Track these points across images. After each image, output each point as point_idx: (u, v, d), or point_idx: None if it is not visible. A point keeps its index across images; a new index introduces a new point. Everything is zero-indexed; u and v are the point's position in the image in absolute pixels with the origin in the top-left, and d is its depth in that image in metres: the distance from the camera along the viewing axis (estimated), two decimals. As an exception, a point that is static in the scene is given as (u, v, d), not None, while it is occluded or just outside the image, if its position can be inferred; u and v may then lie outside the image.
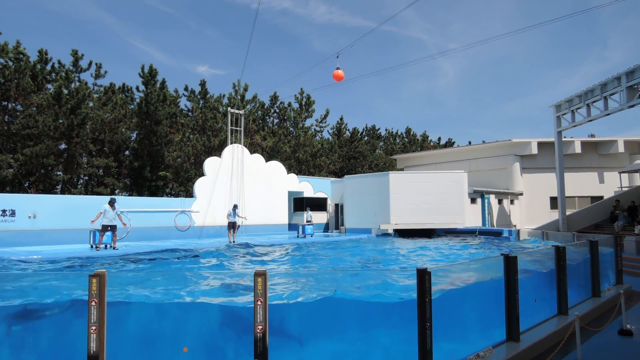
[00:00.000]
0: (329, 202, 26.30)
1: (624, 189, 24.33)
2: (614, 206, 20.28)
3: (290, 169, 30.25)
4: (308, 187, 25.56)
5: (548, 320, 6.51)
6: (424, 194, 21.77)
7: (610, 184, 27.85)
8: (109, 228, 14.00)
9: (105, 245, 14.07)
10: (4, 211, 14.97)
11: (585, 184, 28.47)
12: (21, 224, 15.26)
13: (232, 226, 17.77)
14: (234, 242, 17.27)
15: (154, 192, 29.93)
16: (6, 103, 25.17)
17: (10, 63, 24.48)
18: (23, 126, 24.32)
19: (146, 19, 76.05)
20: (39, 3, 58.39)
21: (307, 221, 21.98)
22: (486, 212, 26.18)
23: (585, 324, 6.21)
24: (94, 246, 14.36)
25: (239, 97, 33.57)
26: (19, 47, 25.05)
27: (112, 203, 14.08)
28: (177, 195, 32.34)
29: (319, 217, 25.63)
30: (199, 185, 20.72)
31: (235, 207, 18.37)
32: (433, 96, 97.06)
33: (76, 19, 63.77)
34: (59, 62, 27.54)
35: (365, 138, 47.29)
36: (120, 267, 10.91)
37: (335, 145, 40.92)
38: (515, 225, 27.75)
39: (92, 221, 13.81)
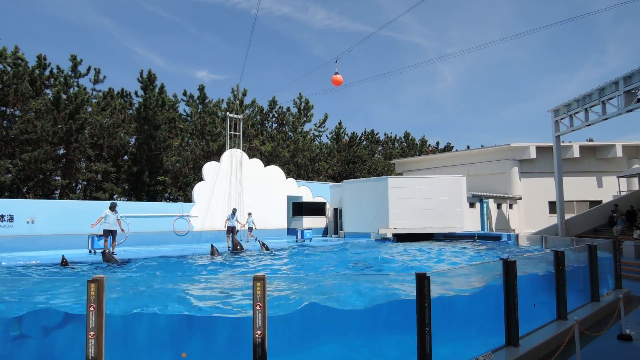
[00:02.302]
0: (327, 206, 26.28)
1: (622, 193, 24.39)
2: (613, 210, 20.30)
3: (289, 174, 30.23)
4: (307, 191, 25.56)
5: (547, 325, 6.50)
6: (422, 199, 21.76)
7: (608, 189, 27.91)
8: (110, 233, 13.96)
9: (104, 250, 14.00)
10: (2, 216, 14.93)
11: (583, 189, 28.52)
12: (19, 229, 15.21)
13: (231, 231, 17.72)
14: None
15: (153, 197, 29.90)
16: (4, 108, 25.16)
17: (9, 68, 24.47)
18: (21, 131, 24.30)
19: (145, 24, 76.36)
20: (37, 8, 58.60)
21: (249, 227, 19.90)
22: (485, 216, 26.21)
23: (584, 329, 6.20)
24: (92, 251, 14.31)
25: (237, 101, 33.62)
26: (18, 52, 25.04)
27: (113, 208, 14.04)
28: (175, 200, 32.29)
29: (318, 222, 25.61)
30: (198, 190, 20.70)
31: (234, 211, 18.33)
32: (432, 101, 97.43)
33: (75, 24, 64.02)
34: (58, 67, 27.54)
35: (364, 143, 47.37)
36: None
37: (334, 150, 40.95)
38: (514, 230, 27.76)
39: (93, 225, 13.74)
